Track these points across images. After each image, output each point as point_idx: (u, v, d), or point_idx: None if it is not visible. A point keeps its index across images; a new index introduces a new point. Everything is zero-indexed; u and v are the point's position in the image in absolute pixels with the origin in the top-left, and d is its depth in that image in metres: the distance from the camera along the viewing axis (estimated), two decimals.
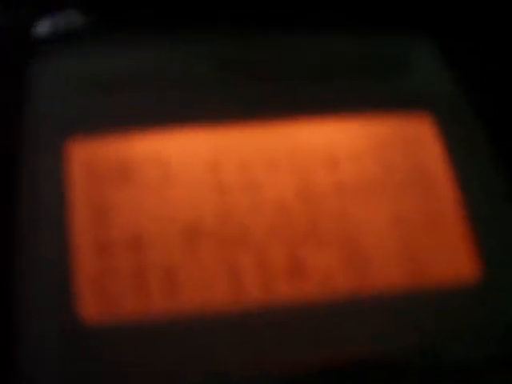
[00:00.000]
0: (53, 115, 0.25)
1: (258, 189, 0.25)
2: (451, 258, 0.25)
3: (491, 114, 0.28)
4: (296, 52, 0.28)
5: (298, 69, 0.27)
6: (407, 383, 0.23)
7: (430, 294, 0.24)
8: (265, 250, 0.24)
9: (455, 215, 0.25)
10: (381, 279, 0.24)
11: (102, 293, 0.23)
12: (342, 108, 0.27)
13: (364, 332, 0.23)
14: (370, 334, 0.23)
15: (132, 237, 0.24)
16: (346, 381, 0.22)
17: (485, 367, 0.23)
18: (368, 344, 0.23)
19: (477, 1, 0.30)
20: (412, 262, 0.24)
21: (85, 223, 0.24)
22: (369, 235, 0.25)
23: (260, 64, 0.27)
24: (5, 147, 0.24)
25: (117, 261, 0.23)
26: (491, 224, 0.25)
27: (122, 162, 0.25)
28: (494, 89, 0.28)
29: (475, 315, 0.24)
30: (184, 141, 0.25)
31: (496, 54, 0.29)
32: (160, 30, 0.28)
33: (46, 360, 0.22)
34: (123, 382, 0.22)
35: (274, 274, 0.24)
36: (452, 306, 0.24)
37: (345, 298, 0.23)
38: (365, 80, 0.27)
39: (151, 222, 0.24)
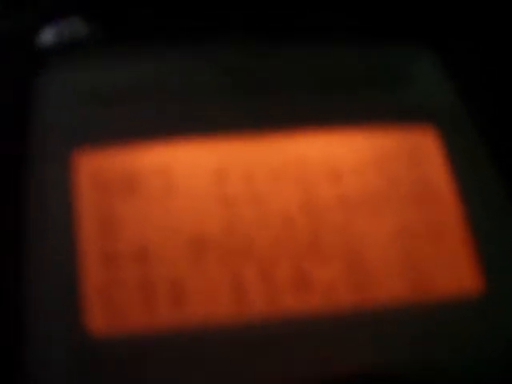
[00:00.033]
0: (60, 126, 0.25)
1: (262, 201, 0.25)
2: (454, 271, 0.25)
3: (492, 125, 0.28)
4: (298, 64, 0.28)
5: (300, 81, 0.27)
6: None
7: (433, 307, 0.24)
8: (269, 262, 0.24)
9: (458, 228, 0.25)
10: (384, 292, 0.24)
11: (109, 305, 0.23)
12: (345, 120, 0.27)
13: (367, 344, 0.23)
14: (373, 347, 0.23)
15: (138, 248, 0.24)
16: None
17: (487, 380, 0.23)
18: (371, 356, 0.23)
19: (477, 12, 0.30)
20: (415, 275, 0.24)
21: (91, 234, 0.24)
22: (372, 248, 0.25)
23: (262, 76, 0.27)
24: (12, 157, 0.25)
25: (123, 272, 0.23)
26: (494, 237, 0.25)
27: (128, 173, 0.25)
28: (495, 99, 0.28)
29: (477, 328, 0.24)
30: (189, 153, 0.25)
31: (497, 64, 0.29)
32: (161, 41, 0.28)
33: (52, 363, 0.22)
34: None
35: (278, 287, 0.24)
36: (454, 319, 0.24)
37: (348, 311, 0.24)
38: (368, 92, 0.27)
39: (157, 233, 0.24)
